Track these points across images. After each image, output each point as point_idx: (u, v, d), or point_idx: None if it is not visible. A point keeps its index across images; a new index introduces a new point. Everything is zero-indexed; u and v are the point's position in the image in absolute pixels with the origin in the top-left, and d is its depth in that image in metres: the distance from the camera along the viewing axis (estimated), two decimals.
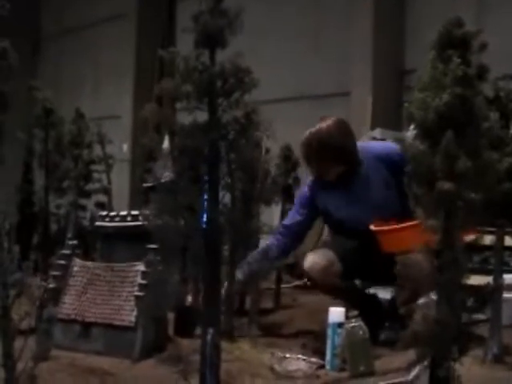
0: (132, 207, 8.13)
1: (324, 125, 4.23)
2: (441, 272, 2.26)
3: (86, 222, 5.25)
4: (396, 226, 3.84)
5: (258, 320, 4.51)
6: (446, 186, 2.14)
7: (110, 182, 5.55)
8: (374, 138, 7.06)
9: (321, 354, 3.77)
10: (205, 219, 1.91)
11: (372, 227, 3.95)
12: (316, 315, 4.72)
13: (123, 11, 12.11)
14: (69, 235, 4.60)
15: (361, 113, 8.29)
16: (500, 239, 3.62)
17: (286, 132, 4.66)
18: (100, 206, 5.65)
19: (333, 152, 4.18)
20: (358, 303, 4.21)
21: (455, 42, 2.74)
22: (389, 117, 8.19)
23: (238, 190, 2.07)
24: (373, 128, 7.80)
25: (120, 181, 8.50)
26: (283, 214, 5.05)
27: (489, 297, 2.39)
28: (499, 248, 3.60)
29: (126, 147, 11.15)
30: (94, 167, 5.18)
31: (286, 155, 5.20)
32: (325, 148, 4.17)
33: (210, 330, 2.01)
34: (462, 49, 2.69)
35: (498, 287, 3.37)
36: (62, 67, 13.69)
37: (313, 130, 4.24)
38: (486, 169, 2.23)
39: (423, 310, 2.37)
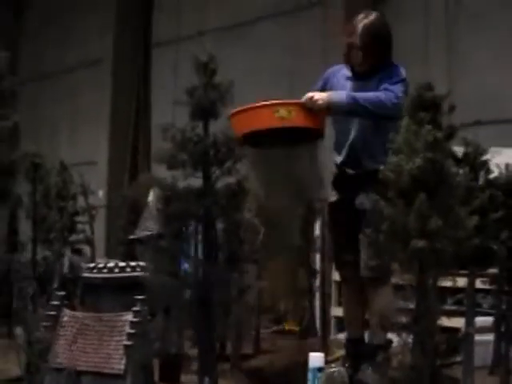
0: (109, 254, 8.26)
1: (373, 17, 4.48)
2: (415, 321, 2.46)
3: (64, 270, 5.33)
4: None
5: (240, 365, 4.65)
6: (420, 243, 2.34)
7: (93, 233, 5.70)
8: None
9: None
10: (198, 276, 2.09)
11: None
12: (295, 359, 4.87)
13: (99, 56, 12.25)
14: (54, 285, 4.71)
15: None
16: (471, 284, 3.84)
17: None
18: (76, 252, 5.75)
19: (377, 41, 4.43)
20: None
21: (426, 105, 2.99)
22: None
23: (228, 250, 2.24)
24: None
25: (96, 226, 8.62)
26: None
27: (460, 342, 2.58)
28: (471, 293, 3.81)
29: (101, 193, 11.26)
30: (77, 218, 5.32)
31: None
32: (373, 36, 4.41)
33: (206, 379, 2.16)
34: (433, 111, 2.93)
35: (470, 332, 3.56)
36: (39, 112, 13.79)
37: (364, 20, 4.46)
38: (456, 226, 2.44)
39: (399, 356, 2.56)
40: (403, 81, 4.41)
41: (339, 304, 6.65)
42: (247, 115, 4.22)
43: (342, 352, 5.06)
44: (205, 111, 2.15)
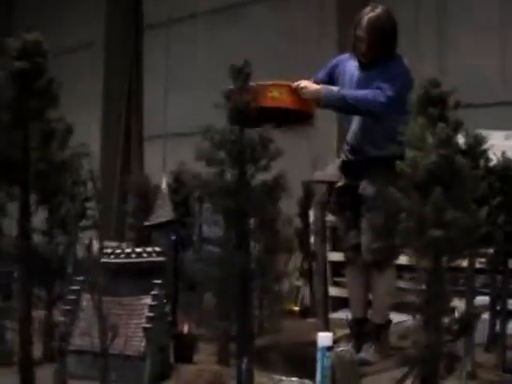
0: (116, 239, 8.41)
1: (380, 10, 4.67)
2: (429, 304, 2.66)
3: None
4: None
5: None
6: (437, 233, 2.54)
7: (100, 218, 5.82)
8: None
9: (310, 376, 4.10)
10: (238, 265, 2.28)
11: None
12: (300, 339, 5.06)
13: (91, 39, 12.26)
14: (70, 271, 4.85)
15: (326, 142, 8.69)
16: (471, 265, 4.06)
17: None
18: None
19: (382, 35, 4.62)
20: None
21: (434, 100, 3.18)
22: None
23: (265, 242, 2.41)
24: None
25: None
26: None
27: (474, 322, 2.79)
28: (471, 274, 4.03)
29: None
30: (87, 204, 5.45)
31: None
32: (378, 30, 4.60)
33: (244, 360, 2.36)
34: (440, 106, 3.12)
35: (475, 311, 3.79)
36: None
37: (370, 13, 4.65)
38: (468, 216, 2.64)
39: (414, 336, 2.77)
40: (400, 75, 4.58)
41: (334, 284, 6.88)
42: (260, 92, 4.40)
43: (342, 331, 5.27)
44: (241, 113, 2.33)
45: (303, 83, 4.54)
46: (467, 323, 2.68)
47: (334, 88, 4.65)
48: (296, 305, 7.00)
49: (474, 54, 8.02)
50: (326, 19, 9.40)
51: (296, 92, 4.51)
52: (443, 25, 8.47)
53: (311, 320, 6.12)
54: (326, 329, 4.83)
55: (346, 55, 4.95)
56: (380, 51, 4.63)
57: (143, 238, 4.69)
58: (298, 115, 4.70)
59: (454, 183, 2.66)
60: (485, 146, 3.99)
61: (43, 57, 2.30)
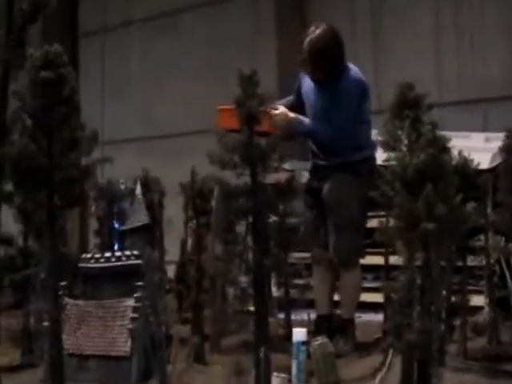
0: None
1: (319, 31, 4.90)
2: (422, 292, 2.88)
3: None
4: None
5: (220, 344, 4.99)
6: (429, 226, 2.76)
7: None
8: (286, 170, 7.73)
9: (284, 369, 4.27)
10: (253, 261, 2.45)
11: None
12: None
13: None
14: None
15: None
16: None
17: (195, 163, 5.22)
18: None
19: (323, 56, 4.88)
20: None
21: (409, 103, 3.43)
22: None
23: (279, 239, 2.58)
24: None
25: None
26: None
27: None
28: (465, 267, 4.33)
29: None
30: None
31: None
32: (318, 52, 4.86)
33: (263, 348, 2.51)
34: (416, 108, 3.37)
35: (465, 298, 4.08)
36: None
37: (311, 34, 4.90)
38: (455, 211, 2.87)
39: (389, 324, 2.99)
40: (348, 96, 4.93)
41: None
42: (224, 115, 4.60)
43: None
44: (252, 118, 2.49)
45: (278, 111, 4.81)
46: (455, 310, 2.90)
47: (304, 122, 4.97)
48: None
49: (410, 60, 8.39)
50: (262, 25, 9.61)
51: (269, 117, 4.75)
52: (379, 34, 8.81)
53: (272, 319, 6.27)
54: (287, 326, 5.03)
55: (304, 75, 5.22)
56: (325, 70, 4.88)
57: (109, 244, 4.73)
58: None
59: (440, 180, 2.88)
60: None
61: (65, 67, 2.41)
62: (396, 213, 2.89)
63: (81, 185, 2.39)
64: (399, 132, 3.34)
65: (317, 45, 4.83)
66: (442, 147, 2.96)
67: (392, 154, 3.25)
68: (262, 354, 2.52)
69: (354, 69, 5.05)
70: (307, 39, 4.84)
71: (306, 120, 4.98)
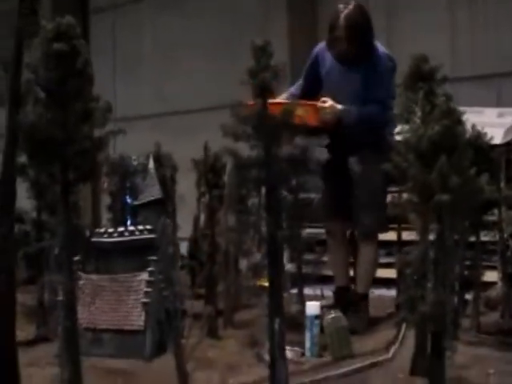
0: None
1: (353, 8, 4.86)
2: (436, 264, 2.87)
3: None
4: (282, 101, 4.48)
5: (233, 319, 5.01)
6: (444, 197, 2.75)
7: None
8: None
9: (298, 343, 4.29)
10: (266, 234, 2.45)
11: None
12: None
13: None
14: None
15: None
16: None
17: (207, 139, 5.24)
18: None
19: (360, 32, 4.83)
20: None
21: (423, 75, 3.40)
22: None
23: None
24: None
25: None
26: None
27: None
28: (478, 242, 4.33)
29: None
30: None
31: None
32: (355, 28, 4.81)
33: (277, 320, 2.52)
34: (430, 80, 3.34)
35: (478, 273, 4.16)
36: None
37: (344, 11, 4.84)
38: (470, 183, 2.86)
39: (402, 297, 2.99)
40: (385, 72, 4.89)
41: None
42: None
43: None
44: (265, 90, 2.48)
45: (327, 104, 4.74)
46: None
47: (351, 110, 4.86)
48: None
49: (424, 35, 8.31)
50: (273, 1, 9.54)
51: (318, 111, 4.75)
52: (393, 9, 8.73)
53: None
54: (301, 301, 5.04)
55: (323, 46, 5.12)
56: (361, 46, 4.82)
57: (122, 219, 4.74)
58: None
59: (455, 152, 2.86)
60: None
61: (78, 39, 2.40)
62: (410, 185, 2.88)
63: (94, 157, 2.39)
64: (413, 105, 3.32)
65: (354, 21, 4.80)
66: (457, 119, 2.92)
67: (406, 127, 3.24)
68: (276, 326, 2.52)
69: (379, 45, 5.01)
70: (342, 16, 4.79)
71: (352, 108, 4.87)
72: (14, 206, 2.26)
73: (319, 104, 4.77)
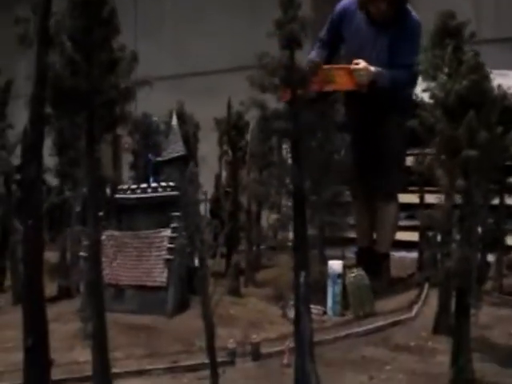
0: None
1: None
2: (462, 221, 2.85)
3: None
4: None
5: (254, 278, 5.02)
6: (471, 153, 2.71)
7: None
8: None
9: (319, 302, 4.29)
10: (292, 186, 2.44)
11: None
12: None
13: None
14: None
15: None
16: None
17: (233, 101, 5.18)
18: None
19: None
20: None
21: (450, 31, 3.33)
22: None
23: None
24: None
25: None
26: None
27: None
28: (502, 206, 4.29)
29: None
30: None
31: None
32: None
33: (302, 273, 2.52)
34: (457, 37, 3.27)
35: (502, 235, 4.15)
36: None
37: None
38: (497, 139, 2.83)
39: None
40: (415, 34, 4.75)
41: None
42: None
43: None
44: (292, 42, 2.44)
45: (361, 66, 4.64)
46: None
47: (384, 73, 4.75)
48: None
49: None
50: None
51: (352, 74, 4.61)
52: None
53: None
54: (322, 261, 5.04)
55: (347, 5, 4.99)
56: (400, 8, 4.73)
57: (144, 176, 4.73)
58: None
59: (483, 107, 2.82)
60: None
61: None
62: (437, 140, 2.84)
63: (120, 107, 2.37)
64: (439, 61, 3.26)
65: None
66: (484, 75, 2.87)
67: (432, 84, 3.19)
68: (301, 279, 2.51)
69: (410, 8, 4.92)
70: None
71: (384, 71, 4.77)
72: (41, 147, 2.24)
73: (353, 66, 4.64)
